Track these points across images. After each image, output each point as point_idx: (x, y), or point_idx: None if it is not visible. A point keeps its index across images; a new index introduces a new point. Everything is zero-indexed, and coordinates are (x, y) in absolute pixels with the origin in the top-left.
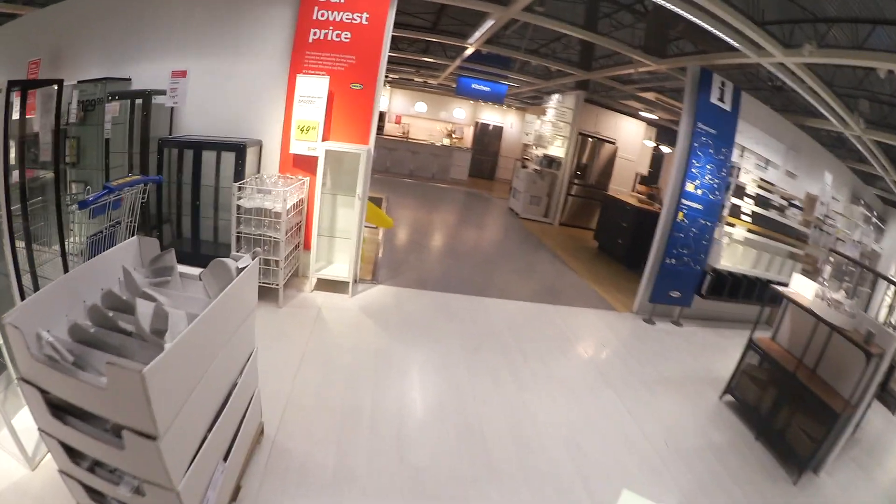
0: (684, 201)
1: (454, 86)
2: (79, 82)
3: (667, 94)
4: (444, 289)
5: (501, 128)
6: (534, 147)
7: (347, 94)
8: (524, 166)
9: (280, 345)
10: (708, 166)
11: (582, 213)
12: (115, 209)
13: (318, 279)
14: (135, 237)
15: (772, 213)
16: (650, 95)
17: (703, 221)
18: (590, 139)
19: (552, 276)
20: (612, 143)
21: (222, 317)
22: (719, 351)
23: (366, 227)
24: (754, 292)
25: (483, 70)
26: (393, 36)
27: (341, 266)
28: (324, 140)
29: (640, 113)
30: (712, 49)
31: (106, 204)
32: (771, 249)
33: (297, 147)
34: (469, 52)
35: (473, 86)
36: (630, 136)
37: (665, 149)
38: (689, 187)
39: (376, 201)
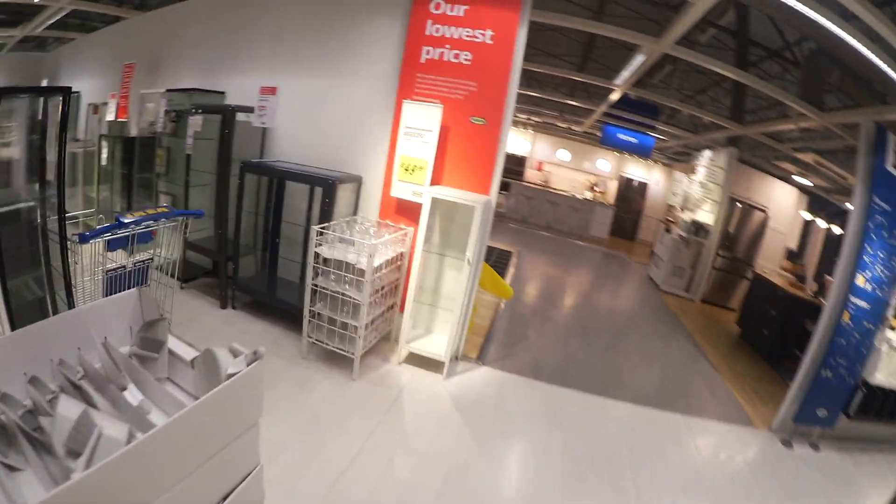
0: (853, 299)
1: (599, 135)
2: (167, 90)
3: (825, 156)
4: (560, 380)
5: (646, 184)
6: (680, 210)
7: (466, 130)
8: (668, 230)
9: (337, 431)
10: (880, 254)
11: (725, 289)
12: (142, 242)
13: (410, 352)
14: (134, 289)
15: None
16: (808, 157)
17: (867, 324)
18: (740, 205)
19: (687, 371)
20: (764, 210)
21: (186, 439)
22: (860, 493)
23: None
24: None
25: (629, 118)
26: (536, 73)
27: (440, 339)
28: (433, 184)
29: (793, 177)
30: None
31: (128, 237)
32: None
33: (400, 189)
34: (616, 95)
35: (619, 136)
36: (781, 204)
37: (820, 223)
38: (860, 280)
39: (505, 256)
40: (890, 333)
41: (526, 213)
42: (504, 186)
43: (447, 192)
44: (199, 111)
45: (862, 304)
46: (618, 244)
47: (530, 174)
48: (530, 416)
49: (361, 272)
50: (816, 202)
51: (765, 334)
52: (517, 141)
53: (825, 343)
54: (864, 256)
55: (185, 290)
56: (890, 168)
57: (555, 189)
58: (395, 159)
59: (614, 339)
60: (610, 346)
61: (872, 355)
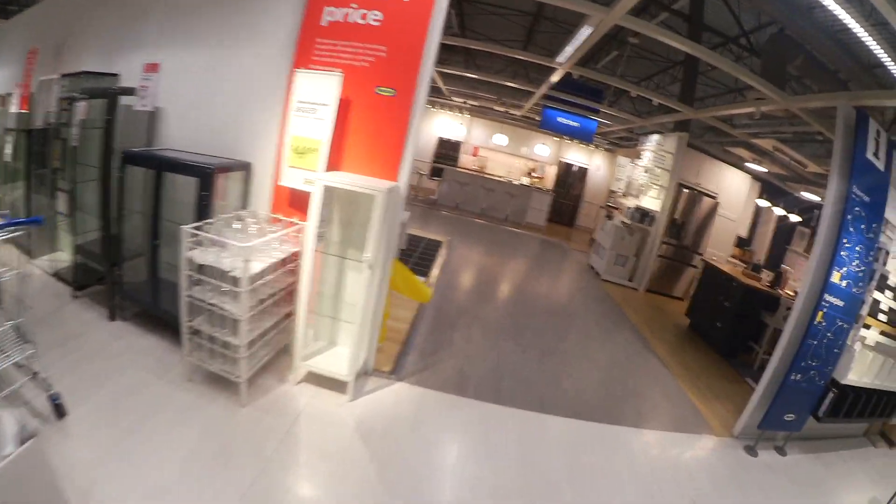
0: (827, 297)
1: (538, 119)
2: (62, 76)
3: (785, 142)
4: (490, 395)
5: (586, 170)
6: (623, 196)
7: (372, 103)
8: (609, 217)
9: (213, 477)
10: (858, 248)
11: (671, 278)
12: None
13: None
14: None
15: None
16: (767, 143)
17: (840, 323)
18: (688, 191)
19: (636, 372)
20: (714, 197)
21: None
22: (834, 499)
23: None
24: (879, 409)
25: (571, 102)
26: (475, 51)
27: (345, 353)
28: (330, 169)
29: (747, 164)
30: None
31: None
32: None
33: (290, 177)
34: (558, 76)
35: (560, 119)
36: (732, 191)
37: (775, 210)
38: (835, 277)
39: (433, 247)
40: (864, 331)
41: (459, 200)
42: (437, 172)
43: (344, 179)
44: (84, 97)
45: (836, 301)
46: (556, 231)
47: (465, 160)
48: (453, 445)
49: (236, 281)
50: (769, 189)
51: (718, 327)
52: (452, 125)
53: (795, 345)
54: (841, 252)
55: (78, 300)
56: (870, 157)
57: (491, 175)
58: (285, 141)
59: (553, 340)
60: (548, 349)
61: (845, 354)
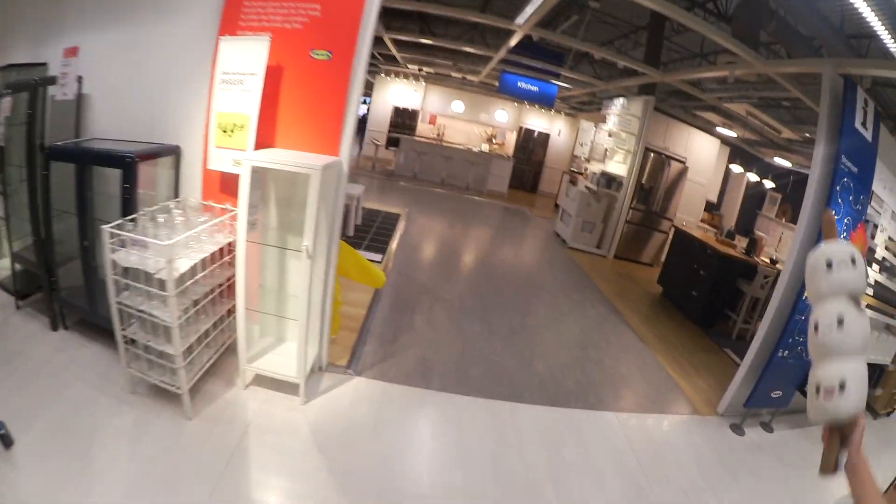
0: None
1: (497, 84)
2: None
3: (761, 108)
4: (457, 385)
5: (548, 135)
6: (588, 161)
7: (306, 69)
8: (573, 182)
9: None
10: (846, 220)
11: (639, 244)
12: None
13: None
14: None
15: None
16: (741, 108)
17: None
18: (656, 156)
19: (611, 348)
20: (682, 161)
21: None
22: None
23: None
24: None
25: (532, 66)
26: (431, 16)
27: (294, 350)
28: (261, 147)
29: (717, 129)
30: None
31: None
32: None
33: (218, 159)
34: (517, 39)
35: (520, 84)
36: (702, 156)
37: (742, 175)
38: None
39: (391, 220)
40: None
41: (417, 170)
42: (394, 143)
43: (275, 157)
44: (7, 91)
45: None
46: (518, 198)
47: (423, 128)
48: (420, 446)
49: (162, 284)
50: (740, 154)
51: (693, 296)
52: (408, 94)
53: (782, 321)
54: None
55: (21, 310)
56: (858, 126)
57: (449, 143)
58: (211, 119)
59: (521, 317)
60: (517, 328)
61: None
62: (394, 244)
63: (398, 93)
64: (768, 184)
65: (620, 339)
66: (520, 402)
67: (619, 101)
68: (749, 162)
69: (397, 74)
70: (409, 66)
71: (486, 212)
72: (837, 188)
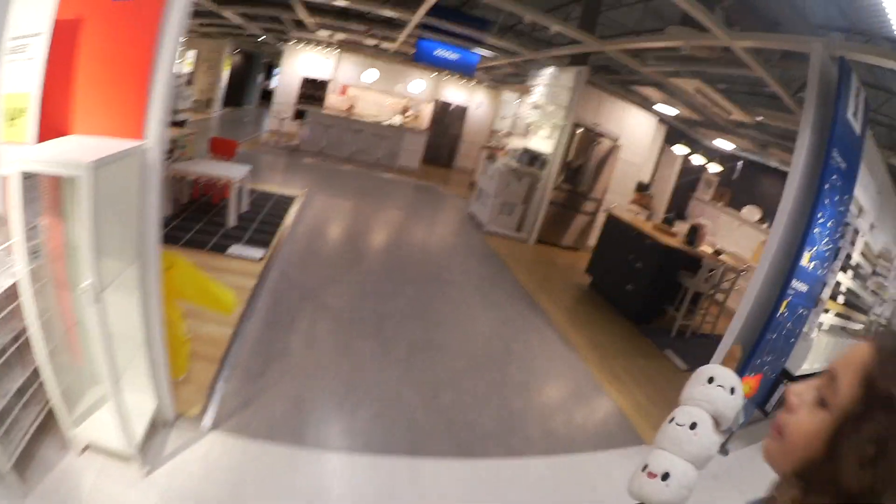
0: (794, 283)
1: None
2: None
3: (715, 85)
4: (339, 437)
5: (466, 108)
6: (508, 136)
7: (107, 21)
8: (491, 158)
9: None
10: (829, 223)
11: (563, 227)
12: None
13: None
14: None
15: (865, 289)
16: (690, 85)
17: (801, 310)
18: (586, 132)
19: (537, 364)
20: (615, 139)
21: None
22: None
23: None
24: None
25: (452, 31)
26: None
27: (135, 402)
28: (54, 135)
29: (657, 106)
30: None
31: None
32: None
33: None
34: None
35: (438, 52)
36: (637, 134)
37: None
38: (805, 259)
39: (283, 204)
40: (823, 317)
41: (324, 145)
42: (299, 115)
43: (57, 150)
44: None
45: (802, 287)
46: (431, 174)
47: (333, 100)
48: None
49: None
50: (677, 134)
51: (628, 290)
52: (318, 63)
53: (750, 343)
54: (815, 228)
55: None
56: (850, 117)
57: (360, 115)
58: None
59: (425, 327)
60: (419, 343)
61: (801, 344)
62: (281, 235)
63: (308, 62)
64: (713, 167)
65: (547, 350)
66: (422, 457)
67: (549, 71)
68: (687, 143)
69: (308, 42)
70: (320, 32)
71: (395, 190)
72: (826, 186)
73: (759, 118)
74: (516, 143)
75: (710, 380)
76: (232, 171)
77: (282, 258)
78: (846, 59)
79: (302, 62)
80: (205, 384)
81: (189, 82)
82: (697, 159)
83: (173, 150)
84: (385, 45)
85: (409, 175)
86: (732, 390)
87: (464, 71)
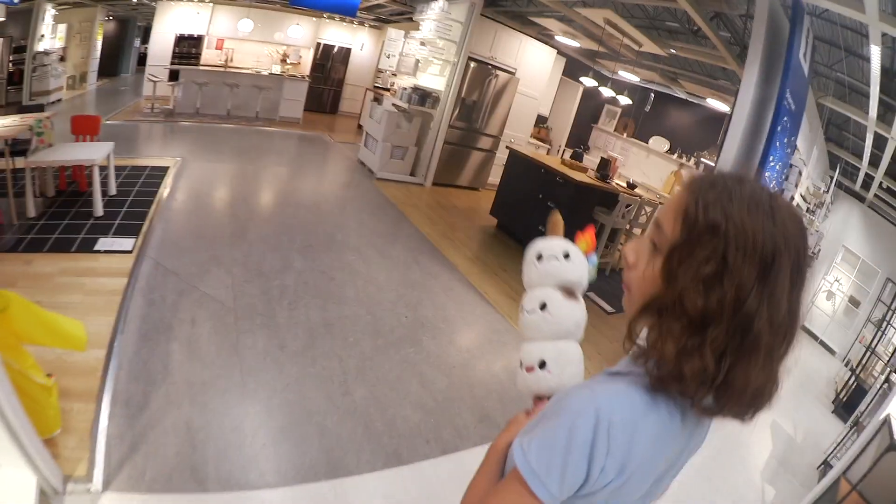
0: None
1: None
2: None
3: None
4: (244, 471)
5: (349, 49)
6: (396, 75)
7: None
8: (377, 100)
9: None
10: (778, 166)
11: (460, 166)
12: None
13: None
14: None
15: None
16: (598, 15)
17: None
18: (481, 66)
19: (456, 327)
20: (512, 72)
21: None
22: None
23: None
24: None
25: None
26: None
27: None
28: None
29: (557, 38)
30: None
31: None
32: None
33: None
34: None
35: None
36: (535, 67)
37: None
38: None
39: (154, 178)
40: None
41: (200, 105)
42: (173, 76)
43: None
44: None
45: None
46: (316, 122)
47: (209, 55)
48: None
49: None
50: (577, 66)
51: (541, 231)
52: (192, 17)
53: None
54: (766, 173)
55: None
56: (801, 58)
57: (236, 68)
58: None
59: (322, 304)
60: (316, 326)
61: None
62: (154, 216)
63: (181, 18)
64: (623, 99)
65: (463, 311)
66: (345, 476)
67: (438, 4)
68: (585, 74)
69: None
70: None
71: (278, 144)
72: (778, 128)
73: (672, 51)
74: (404, 81)
75: (538, 257)
76: (92, 153)
77: (155, 243)
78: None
79: (174, 19)
80: (86, 432)
81: (62, 58)
82: (606, 92)
83: (30, 141)
84: None
85: (293, 126)
86: (566, 255)
87: (345, 12)
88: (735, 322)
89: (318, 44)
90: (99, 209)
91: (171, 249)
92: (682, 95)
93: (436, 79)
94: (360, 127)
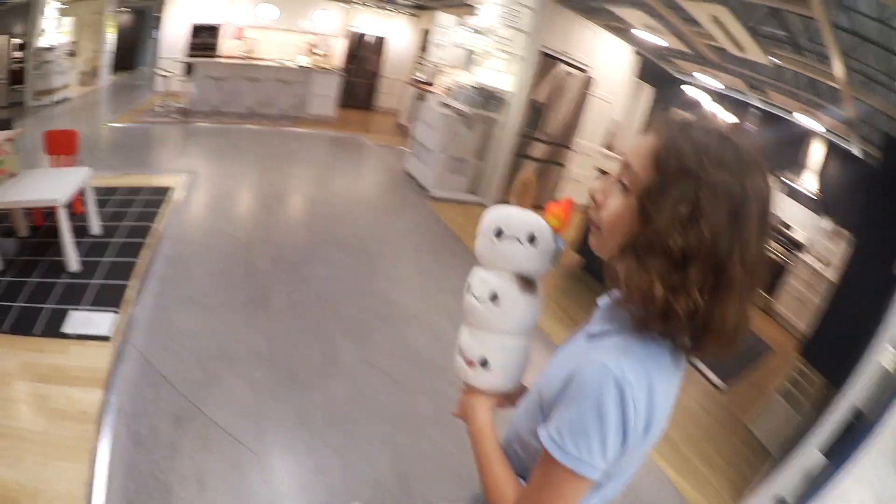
0: None
1: None
2: None
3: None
4: None
5: (383, 39)
6: (445, 70)
7: None
8: (421, 98)
9: None
10: None
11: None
12: None
13: None
14: None
15: None
16: (704, 11)
17: None
18: (554, 62)
19: None
20: (585, 70)
21: None
22: None
23: None
24: None
25: None
26: None
27: None
28: None
29: (634, 31)
30: None
31: None
32: None
33: None
34: None
35: None
36: (609, 63)
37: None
38: None
39: (152, 204)
40: None
41: (217, 102)
42: (187, 70)
43: None
44: None
45: None
46: (350, 120)
47: (228, 46)
48: None
49: None
50: (649, 70)
51: None
52: (207, 5)
53: None
54: None
55: None
56: None
57: (259, 60)
58: None
59: (390, 431)
60: (391, 484)
61: None
62: (143, 267)
63: (196, 6)
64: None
65: None
66: None
67: None
68: (658, 76)
69: None
70: None
71: (308, 150)
72: None
73: (773, 59)
74: (461, 78)
75: (499, 233)
76: (55, 190)
77: (143, 320)
78: None
79: (188, 6)
80: None
81: (72, 53)
82: (710, 104)
83: None
84: None
85: (325, 126)
86: (531, 238)
87: None
88: (711, 261)
89: (351, 32)
90: (73, 263)
91: (163, 331)
92: (762, 106)
93: (498, 76)
94: (399, 126)
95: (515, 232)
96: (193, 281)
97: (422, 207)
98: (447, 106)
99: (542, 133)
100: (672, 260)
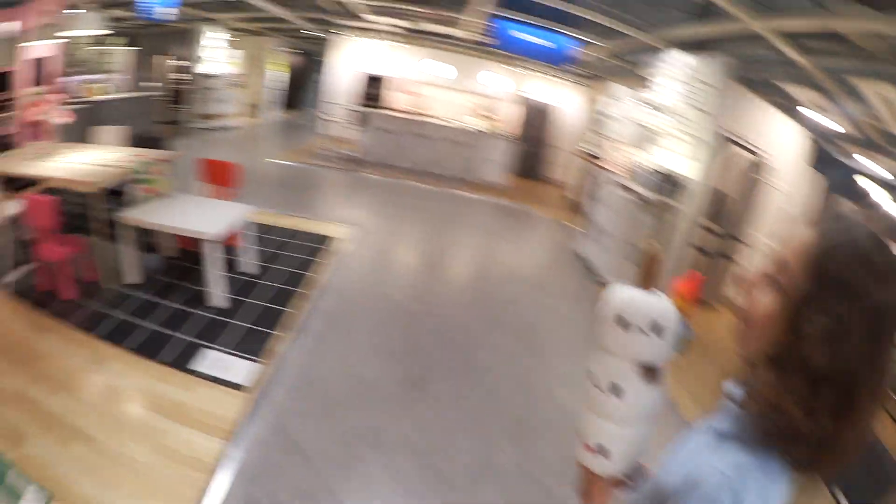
0: None
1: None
2: None
3: None
4: None
5: (548, 106)
6: (621, 146)
7: None
8: (590, 173)
9: None
10: None
11: (708, 281)
12: None
13: None
14: None
15: None
16: (874, 89)
17: None
18: (736, 147)
19: None
20: (761, 156)
21: None
22: None
23: None
24: None
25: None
26: None
27: None
28: None
29: (811, 114)
30: None
31: None
32: None
33: None
34: None
35: (518, 34)
36: (783, 148)
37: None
38: None
39: (314, 250)
40: None
41: (385, 154)
42: (360, 118)
43: None
44: None
45: None
46: (518, 189)
47: (396, 100)
48: None
49: None
50: (825, 158)
51: None
52: (378, 57)
53: None
54: None
55: None
56: None
57: (428, 117)
58: None
59: None
60: None
61: None
62: (294, 323)
63: (360, 55)
64: None
65: None
66: None
67: (679, 58)
68: (828, 163)
69: (365, 31)
70: (380, 21)
71: (477, 217)
72: None
73: None
74: (639, 158)
75: (622, 321)
76: (205, 222)
77: (287, 381)
78: None
79: (353, 55)
80: None
81: (239, 85)
82: (875, 192)
83: (122, 193)
84: (452, 29)
85: (492, 192)
86: (656, 327)
87: (552, 59)
88: (845, 382)
89: (522, 97)
90: (217, 298)
91: (308, 394)
92: None
93: (673, 156)
94: (568, 200)
95: (638, 321)
96: (351, 345)
97: (593, 293)
98: (628, 189)
99: (717, 224)
100: (809, 378)
